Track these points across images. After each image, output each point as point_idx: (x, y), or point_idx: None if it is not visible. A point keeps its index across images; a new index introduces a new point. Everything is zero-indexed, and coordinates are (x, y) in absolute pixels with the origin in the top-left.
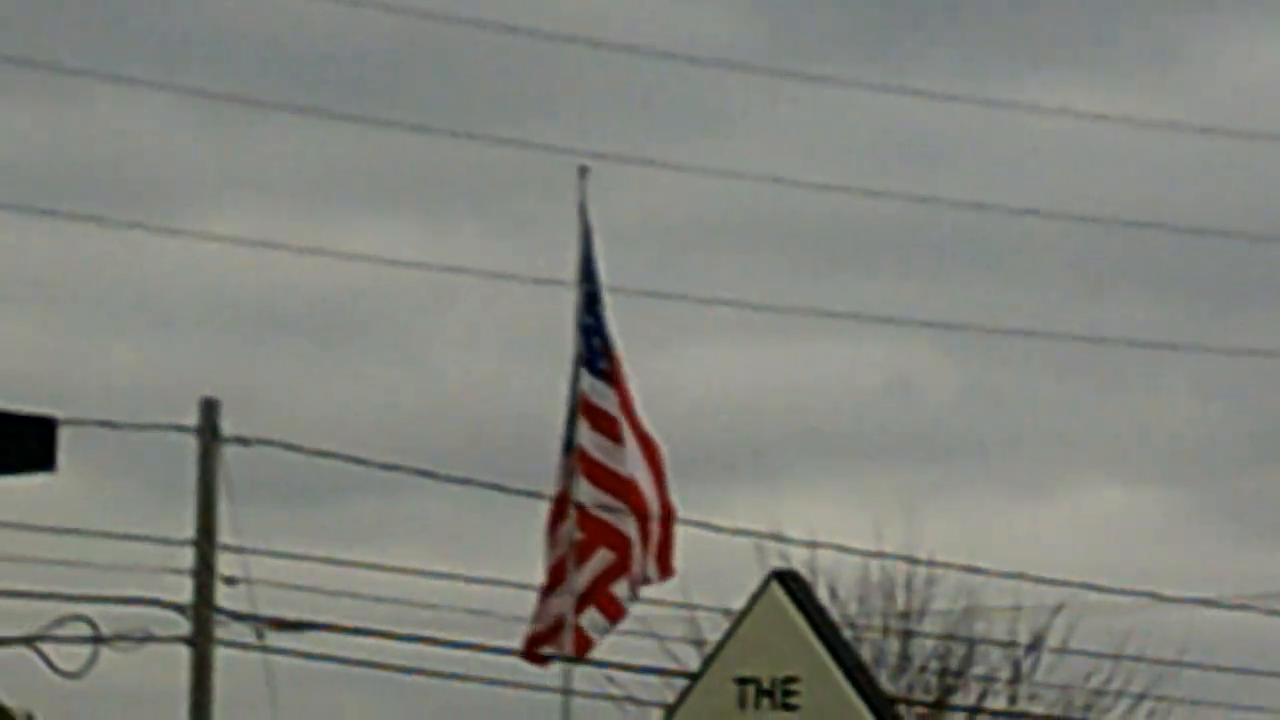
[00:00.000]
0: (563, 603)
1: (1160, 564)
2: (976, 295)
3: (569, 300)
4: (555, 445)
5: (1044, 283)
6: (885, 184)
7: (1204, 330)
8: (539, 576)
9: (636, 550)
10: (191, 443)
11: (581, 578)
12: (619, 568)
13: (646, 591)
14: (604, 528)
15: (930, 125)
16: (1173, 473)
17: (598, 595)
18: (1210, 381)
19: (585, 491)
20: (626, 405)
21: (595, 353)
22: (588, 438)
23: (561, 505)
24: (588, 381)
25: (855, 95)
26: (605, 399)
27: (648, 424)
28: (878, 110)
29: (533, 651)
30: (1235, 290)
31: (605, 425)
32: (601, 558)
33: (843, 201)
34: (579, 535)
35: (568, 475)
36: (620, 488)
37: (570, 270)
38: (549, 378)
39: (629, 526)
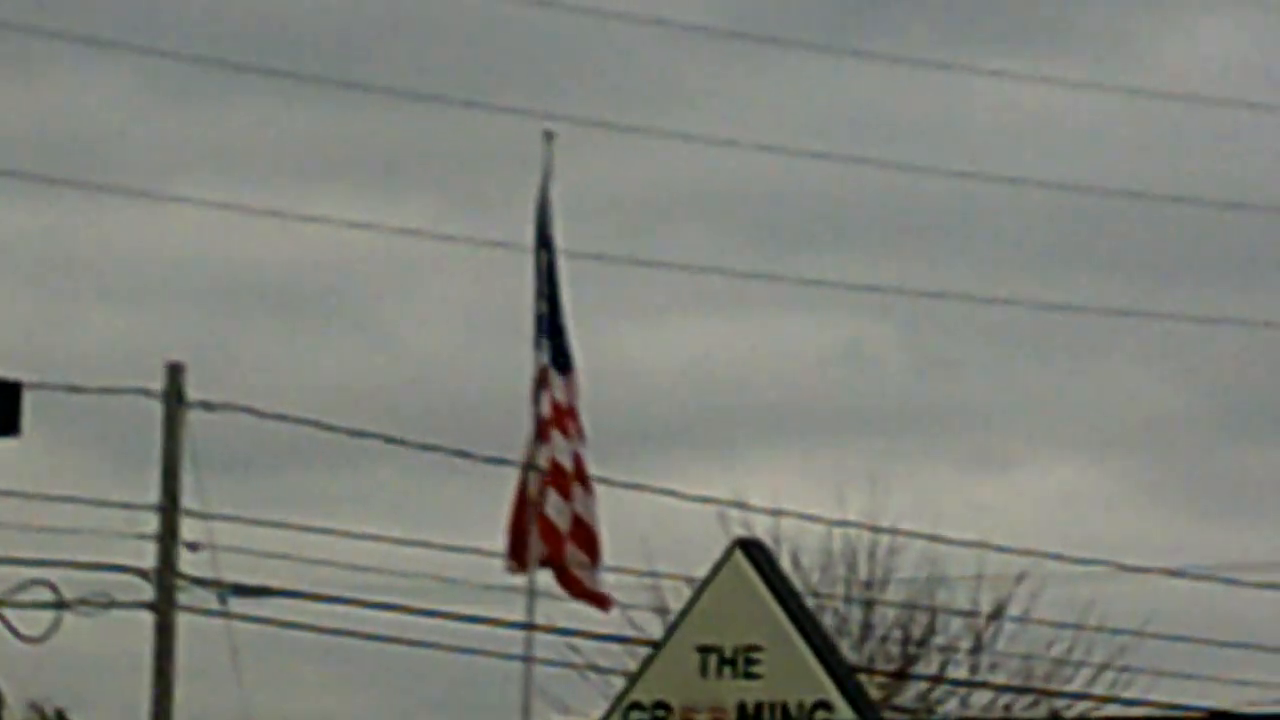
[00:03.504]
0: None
1: (1116, 535)
2: (931, 267)
3: (532, 269)
4: (519, 415)
5: (1000, 254)
6: (846, 155)
7: (1156, 301)
8: (502, 545)
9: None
10: (156, 408)
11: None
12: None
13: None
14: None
15: (892, 98)
16: (1126, 445)
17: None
18: (1162, 353)
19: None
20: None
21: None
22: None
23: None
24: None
25: (817, 67)
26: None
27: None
28: (839, 82)
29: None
30: (1189, 261)
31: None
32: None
33: (803, 173)
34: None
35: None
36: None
37: (530, 237)
38: (513, 348)
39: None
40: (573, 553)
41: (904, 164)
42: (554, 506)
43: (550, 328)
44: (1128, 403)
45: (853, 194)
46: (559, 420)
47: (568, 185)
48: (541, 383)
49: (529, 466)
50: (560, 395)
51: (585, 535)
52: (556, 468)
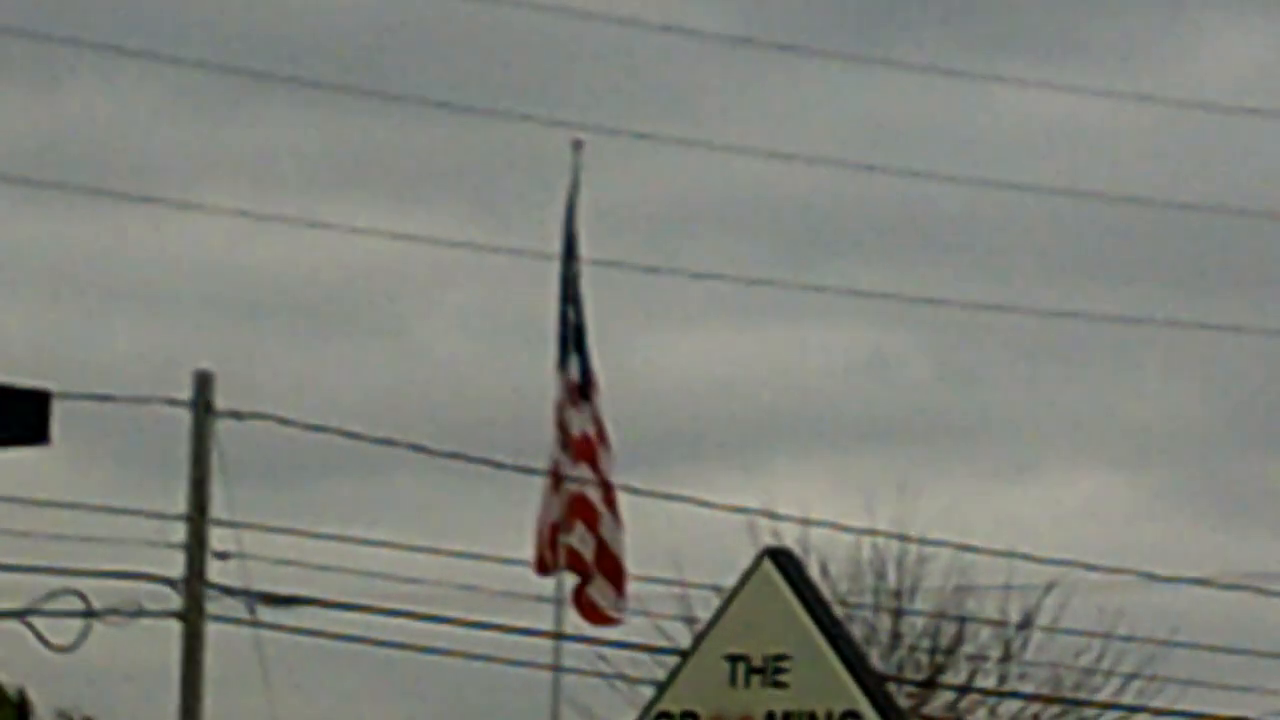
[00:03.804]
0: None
1: (1142, 545)
2: (955, 276)
3: (557, 278)
4: (544, 423)
5: (1024, 263)
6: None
7: (1181, 310)
8: (529, 553)
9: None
10: (185, 417)
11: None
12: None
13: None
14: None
15: (914, 106)
16: (1151, 455)
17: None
18: (1187, 362)
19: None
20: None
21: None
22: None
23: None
24: (575, 366)
25: (840, 75)
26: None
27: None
28: (862, 91)
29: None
30: (1214, 270)
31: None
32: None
33: (826, 182)
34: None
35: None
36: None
37: (555, 245)
38: (537, 357)
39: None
40: (598, 581)
41: (927, 172)
42: (579, 537)
43: (576, 344)
44: (1152, 413)
45: (876, 203)
46: (584, 448)
47: (591, 194)
48: (573, 397)
49: (556, 476)
50: (587, 424)
51: (611, 564)
52: (581, 499)
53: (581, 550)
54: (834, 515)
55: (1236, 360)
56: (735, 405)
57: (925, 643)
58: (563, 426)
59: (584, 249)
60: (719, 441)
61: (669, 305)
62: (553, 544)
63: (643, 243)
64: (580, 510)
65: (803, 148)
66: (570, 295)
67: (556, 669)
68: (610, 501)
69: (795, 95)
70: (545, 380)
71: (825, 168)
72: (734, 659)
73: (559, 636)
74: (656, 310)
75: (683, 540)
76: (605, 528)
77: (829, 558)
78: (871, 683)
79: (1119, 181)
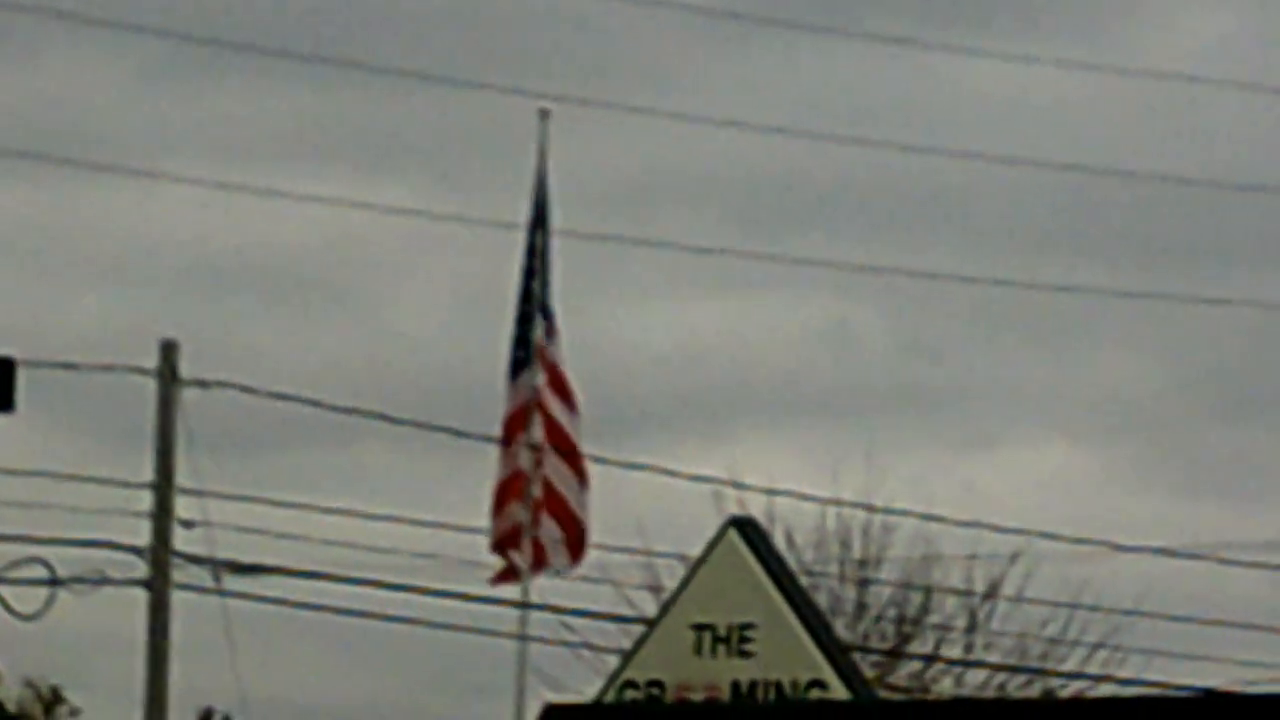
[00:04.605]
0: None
1: (1105, 516)
2: (918, 248)
3: (522, 247)
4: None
5: (987, 235)
6: (835, 135)
7: (1142, 282)
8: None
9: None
10: (150, 386)
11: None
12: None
13: (600, 539)
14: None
15: (880, 79)
16: (1112, 426)
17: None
18: (1148, 334)
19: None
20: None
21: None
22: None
23: (518, 418)
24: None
25: (806, 47)
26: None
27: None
28: (828, 63)
29: (502, 569)
30: (1176, 242)
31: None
32: (555, 472)
33: (790, 153)
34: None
35: (520, 397)
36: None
37: (520, 215)
38: (503, 328)
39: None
40: (546, 525)
41: (891, 144)
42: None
43: (541, 306)
44: (1113, 384)
45: (841, 174)
46: (556, 389)
47: (556, 165)
48: (528, 360)
49: (504, 443)
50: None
51: (563, 512)
52: (516, 476)
53: (520, 520)
54: (798, 485)
55: (1199, 332)
56: (699, 375)
57: (891, 612)
58: (521, 394)
59: (555, 218)
60: (683, 411)
61: (634, 275)
62: (509, 533)
63: (607, 213)
64: (514, 488)
65: (767, 119)
66: (533, 268)
67: (522, 638)
68: (576, 464)
69: (760, 67)
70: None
71: (789, 139)
72: (700, 628)
73: (524, 605)
74: (621, 280)
75: (648, 509)
76: (565, 487)
77: (794, 527)
78: (836, 652)
79: (1082, 153)
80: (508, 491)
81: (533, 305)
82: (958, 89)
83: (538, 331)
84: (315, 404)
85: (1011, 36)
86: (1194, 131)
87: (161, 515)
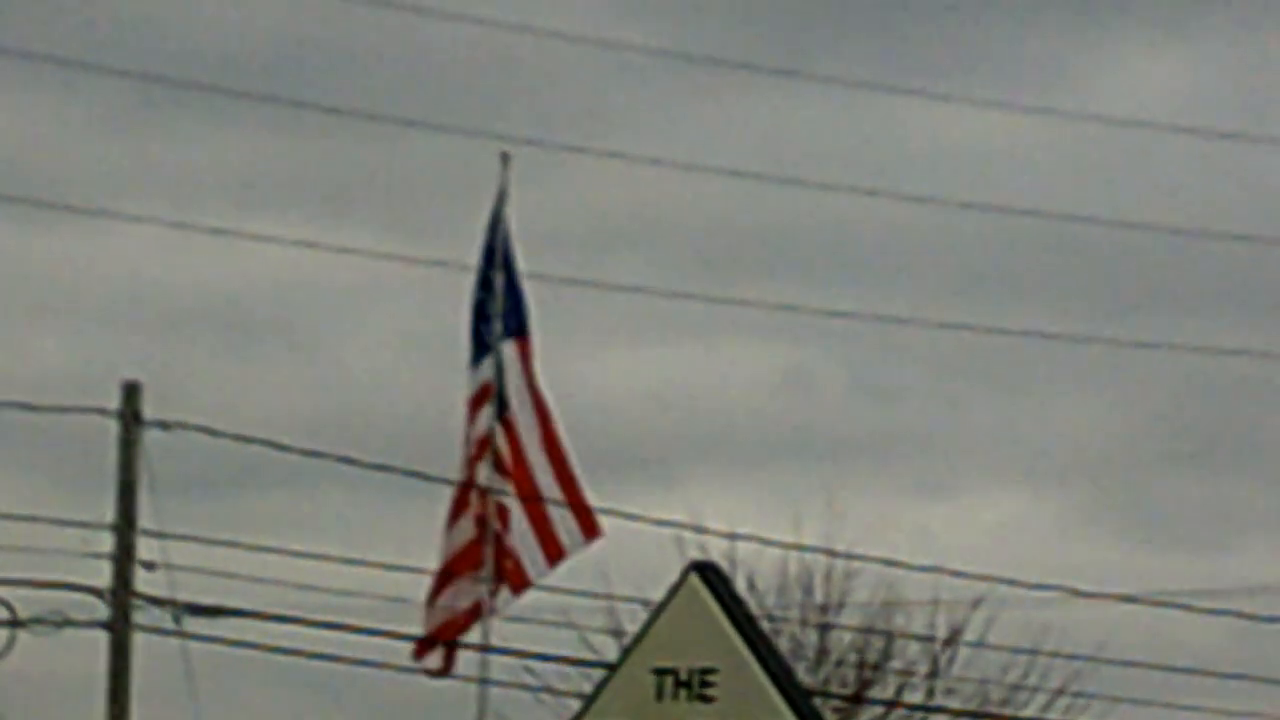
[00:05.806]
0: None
1: (1064, 562)
2: (874, 293)
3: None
4: (460, 437)
5: (942, 281)
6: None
7: (1097, 329)
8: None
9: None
10: (112, 427)
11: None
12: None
13: (566, 578)
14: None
15: (837, 124)
16: (1068, 473)
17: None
18: (1103, 381)
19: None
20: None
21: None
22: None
23: (465, 494)
24: (488, 368)
25: (763, 92)
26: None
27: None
28: (785, 108)
29: (426, 654)
30: (1131, 289)
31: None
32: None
33: (747, 198)
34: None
35: (470, 465)
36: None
37: (474, 259)
38: (457, 371)
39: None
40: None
41: (849, 189)
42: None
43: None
44: (1068, 431)
45: (798, 220)
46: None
47: (515, 208)
48: (481, 398)
49: (466, 487)
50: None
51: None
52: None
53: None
54: (759, 530)
55: (1154, 378)
56: (658, 419)
57: (852, 657)
58: (473, 434)
59: (519, 261)
60: (643, 455)
61: (591, 320)
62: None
63: (564, 257)
64: (466, 561)
65: (726, 163)
66: (484, 311)
67: (483, 681)
68: (560, 461)
69: (720, 111)
70: (461, 395)
71: (748, 183)
72: (661, 672)
73: (486, 649)
74: (580, 325)
75: (609, 553)
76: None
77: (756, 572)
78: (799, 697)
79: (1036, 199)
80: (459, 563)
81: (480, 345)
82: (915, 134)
83: (485, 373)
84: (279, 446)
85: (969, 82)
86: (1150, 178)
87: (123, 557)
